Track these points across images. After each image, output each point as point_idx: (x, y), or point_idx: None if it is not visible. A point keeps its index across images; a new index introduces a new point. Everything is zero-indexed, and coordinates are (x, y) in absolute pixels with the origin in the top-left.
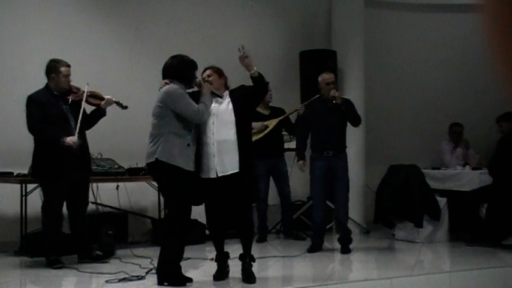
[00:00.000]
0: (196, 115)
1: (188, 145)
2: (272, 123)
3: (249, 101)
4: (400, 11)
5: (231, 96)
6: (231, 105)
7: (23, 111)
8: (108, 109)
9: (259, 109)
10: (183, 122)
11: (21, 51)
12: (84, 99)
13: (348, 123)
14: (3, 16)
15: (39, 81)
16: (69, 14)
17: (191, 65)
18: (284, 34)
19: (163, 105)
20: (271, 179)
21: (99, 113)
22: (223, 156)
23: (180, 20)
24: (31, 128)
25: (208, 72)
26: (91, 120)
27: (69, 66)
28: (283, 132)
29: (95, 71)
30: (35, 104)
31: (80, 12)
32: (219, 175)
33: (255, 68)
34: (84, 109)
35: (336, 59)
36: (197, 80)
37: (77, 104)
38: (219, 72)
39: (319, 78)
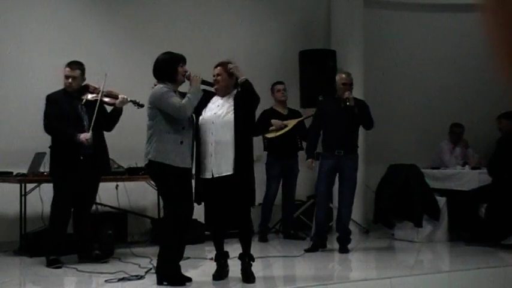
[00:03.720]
0: (178, 112)
1: (181, 142)
2: (291, 123)
3: (245, 106)
4: (399, 11)
5: (235, 98)
6: (232, 106)
7: (23, 111)
8: (108, 109)
9: (278, 108)
10: (174, 120)
11: (21, 51)
12: (99, 98)
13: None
14: (2, 16)
15: (39, 82)
16: (69, 14)
17: (171, 61)
18: (284, 34)
19: (151, 106)
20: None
21: (115, 113)
22: (219, 157)
23: (179, 20)
24: (45, 126)
25: (217, 70)
26: (109, 120)
27: (71, 67)
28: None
29: (93, 71)
30: (50, 102)
31: (80, 12)
32: (215, 176)
33: (243, 77)
34: (102, 109)
35: (335, 59)
36: (187, 73)
37: (92, 103)
38: (229, 71)
39: (337, 77)
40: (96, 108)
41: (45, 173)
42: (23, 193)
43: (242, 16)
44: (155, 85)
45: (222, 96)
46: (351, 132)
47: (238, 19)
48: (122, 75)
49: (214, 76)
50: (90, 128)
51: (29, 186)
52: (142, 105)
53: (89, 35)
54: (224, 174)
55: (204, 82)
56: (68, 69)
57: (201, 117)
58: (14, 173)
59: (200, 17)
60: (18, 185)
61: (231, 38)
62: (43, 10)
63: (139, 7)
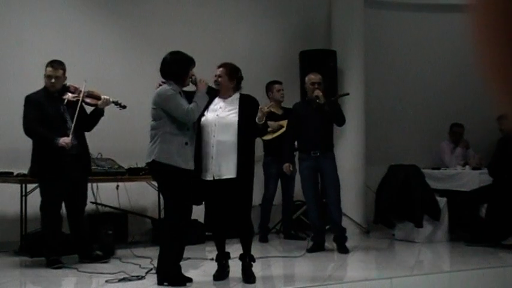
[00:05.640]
0: (185, 115)
1: (186, 144)
2: (286, 123)
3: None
4: (400, 11)
5: (240, 102)
6: (236, 110)
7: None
8: (108, 109)
9: (273, 109)
10: (178, 122)
11: (21, 51)
12: (80, 99)
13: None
14: (3, 16)
15: (39, 82)
16: (69, 14)
17: (184, 63)
18: (284, 34)
19: (156, 107)
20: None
21: (97, 113)
22: (221, 159)
23: (180, 20)
24: (25, 128)
25: (219, 72)
26: (90, 121)
27: (55, 67)
28: None
29: (94, 71)
30: (31, 104)
31: (80, 12)
32: (215, 178)
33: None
34: (82, 109)
35: (336, 59)
36: (193, 77)
37: (73, 104)
38: (231, 73)
39: (306, 78)
40: (78, 109)
41: None
42: (23, 193)
43: (242, 16)
44: (160, 85)
45: (224, 98)
46: (324, 132)
47: (238, 19)
48: (123, 75)
49: (215, 76)
50: (72, 129)
51: (30, 186)
52: (124, 107)
53: (89, 35)
54: (225, 177)
55: (209, 88)
56: (50, 69)
57: (203, 118)
58: (15, 173)
59: (200, 17)
60: (18, 185)
61: (231, 39)
62: (43, 11)
63: (140, 7)
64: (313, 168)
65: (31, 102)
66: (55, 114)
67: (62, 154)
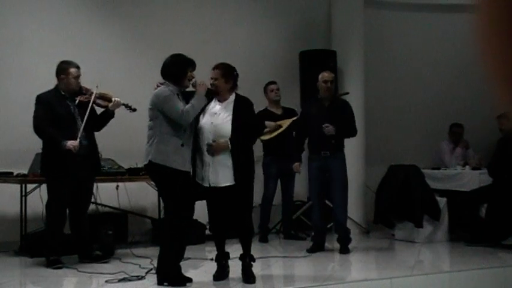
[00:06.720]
0: (180, 117)
1: (182, 145)
2: (285, 123)
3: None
4: (399, 11)
5: (235, 106)
6: (230, 115)
7: (23, 111)
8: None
9: (272, 109)
10: (175, 123)
11: (22, 51)
12: (91, 100)
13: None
14: (3, 17)
15: (39, 82)
16: (69, 14)
17: (182, 64)
18: (284, 34)
19: (153, 107)
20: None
21: (107, 115)
22: (217, 168)
23: (180, 20)
24: (35, 127)
25: (213, 74)
26: (100, 121)
27: (78, 67)
28: None
29: (94, 71)
30: (41, 103)
31: (80, 13)
32: (211, 185)
33: (228, 144)
34: (93, 110)
35: (336, 59)
36: (193, 80)
37: (85, 104)
38: (226, 75)
39: (319, 76)
40: (88, 111)
41: None
42: (23, 193)
43: (242, 16)
44: (158, 86)
45: (220, 101)
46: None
47: (238, 19)
48: (123, 75)
49: (211, 79)
50: (82, 129)
51: (30, 186)
52: (134, 110)
53: (89, 36)
54: (222, 185)
55: (209, 90)
56: (76, 69)
57: (199, 125)
58: (15, 174)
59: (200, 17)
60: (18, 186)
61: (231, 39)
62: (43, 11)
63: (141, 7)
64: (322, 168)
65: (42, 101)
66: (65, 114)
67: (69, 153)
